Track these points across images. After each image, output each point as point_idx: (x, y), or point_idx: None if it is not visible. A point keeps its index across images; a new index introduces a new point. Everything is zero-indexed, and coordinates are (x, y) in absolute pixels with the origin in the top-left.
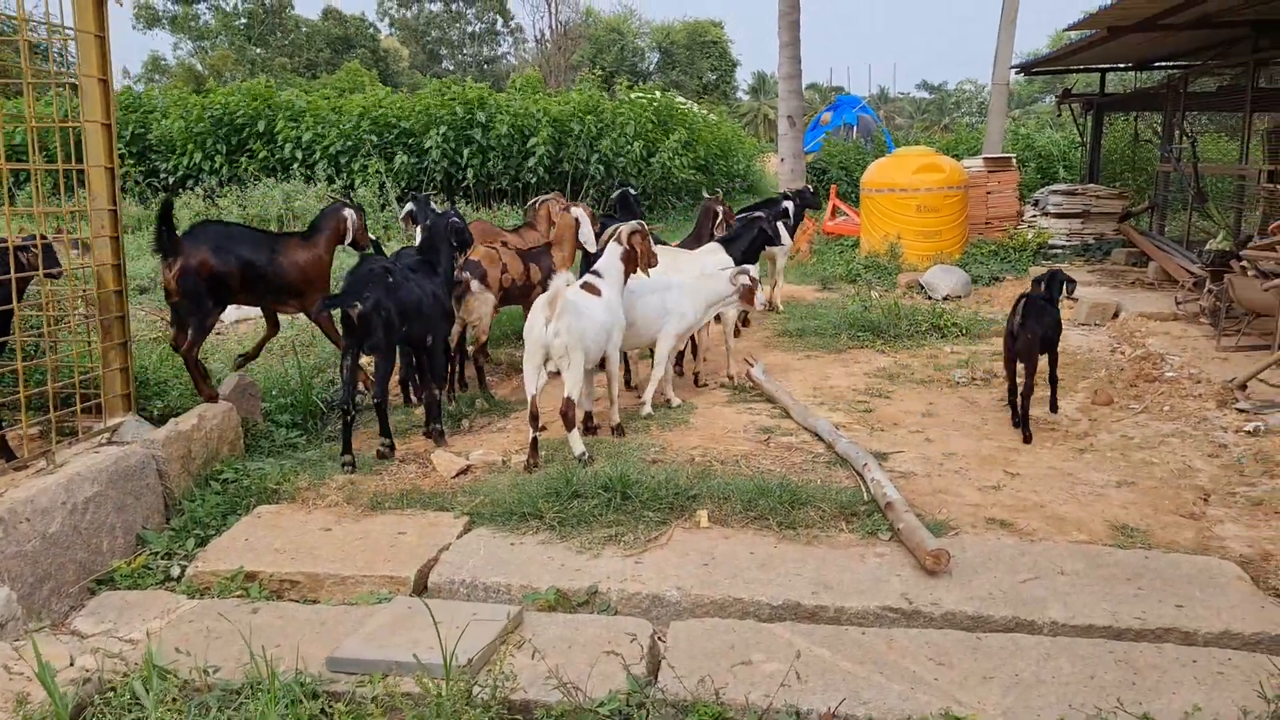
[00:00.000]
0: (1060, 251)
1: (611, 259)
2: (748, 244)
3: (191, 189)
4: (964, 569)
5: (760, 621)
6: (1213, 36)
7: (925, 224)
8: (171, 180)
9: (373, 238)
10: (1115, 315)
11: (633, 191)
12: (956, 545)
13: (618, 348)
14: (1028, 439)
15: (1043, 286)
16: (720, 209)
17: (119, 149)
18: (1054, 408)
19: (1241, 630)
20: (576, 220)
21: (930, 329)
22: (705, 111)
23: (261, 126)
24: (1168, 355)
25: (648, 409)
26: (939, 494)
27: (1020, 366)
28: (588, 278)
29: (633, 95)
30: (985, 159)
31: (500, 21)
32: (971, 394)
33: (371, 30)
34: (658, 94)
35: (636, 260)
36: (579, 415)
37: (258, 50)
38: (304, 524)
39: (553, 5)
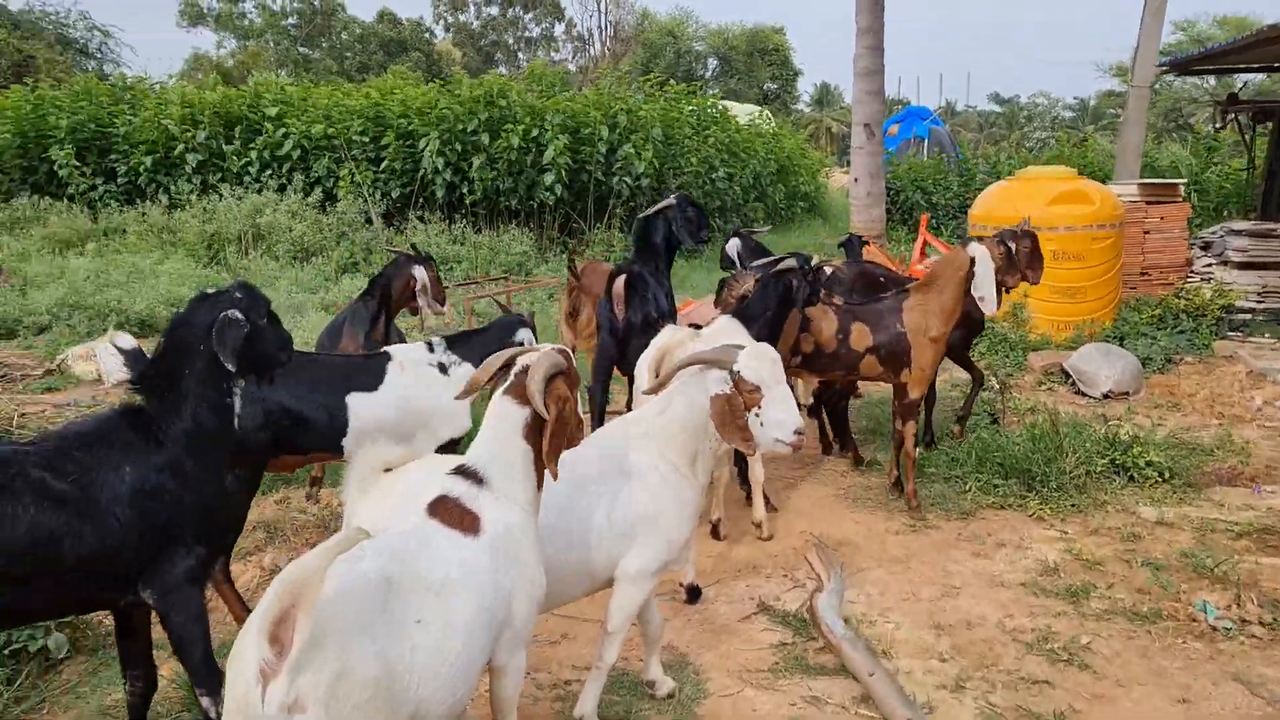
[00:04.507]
0: (1249, 317)
1: (509, 433)
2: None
3: (154, 197)
4: None
5: None
6: None
7: (1064, 277)
8: (128, 184)
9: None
10: None
11: (683, 207)
12: None
13: (518, 647)
14: None
15: None
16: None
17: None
18: None
19: None
20: (972, 261)
21: (1109, 467)
22: (767, 119)
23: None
24: None
25: None
26: None
27: None
28: (450, 484)
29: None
30: (1141, 185)
31: (559, 28)
32: (1250, 662)
33: (427, 34)
34: (695, 96)
35: (548, 441)
36: None
37: (303, 51)
38: None
39: (603, 4)
